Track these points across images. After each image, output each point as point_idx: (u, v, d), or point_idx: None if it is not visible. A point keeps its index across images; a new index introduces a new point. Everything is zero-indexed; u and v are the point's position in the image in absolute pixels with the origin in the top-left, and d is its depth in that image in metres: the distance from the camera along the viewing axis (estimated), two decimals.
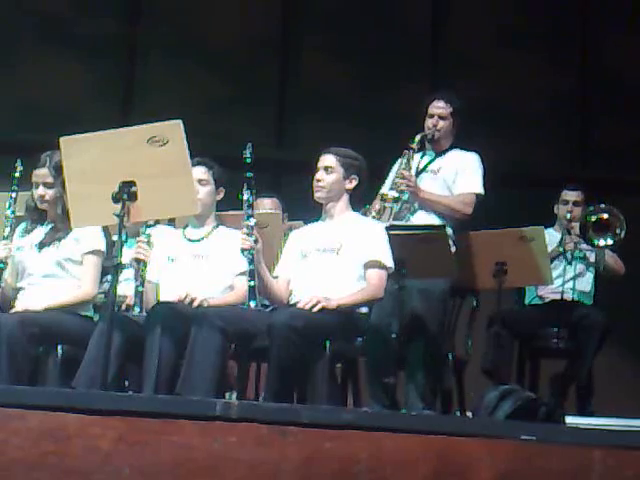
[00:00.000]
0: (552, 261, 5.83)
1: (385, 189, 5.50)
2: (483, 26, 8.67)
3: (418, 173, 5.51)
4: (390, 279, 4.90)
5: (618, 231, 5.83)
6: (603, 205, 5.91)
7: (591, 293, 6.06)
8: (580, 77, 8.74)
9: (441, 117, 5.54)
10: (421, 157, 5.58)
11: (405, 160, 5.49)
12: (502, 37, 8.63)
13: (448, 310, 5.44)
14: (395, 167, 5.58)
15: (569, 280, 5.96)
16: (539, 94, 8.60)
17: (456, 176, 5.48)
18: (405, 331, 5.19)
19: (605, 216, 5.86)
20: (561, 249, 5.99)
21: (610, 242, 5.85)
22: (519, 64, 8.57)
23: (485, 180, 5.49)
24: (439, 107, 5.55)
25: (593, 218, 5.88)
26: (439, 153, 5.56)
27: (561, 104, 8.61)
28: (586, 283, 6.06)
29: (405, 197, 5.41)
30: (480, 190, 5.47)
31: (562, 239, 6.03)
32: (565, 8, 8.71)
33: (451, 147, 5.58)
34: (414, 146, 5.52)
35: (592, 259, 6.06)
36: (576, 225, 6.02)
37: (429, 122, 5.55)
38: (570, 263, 5.98)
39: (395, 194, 5.37)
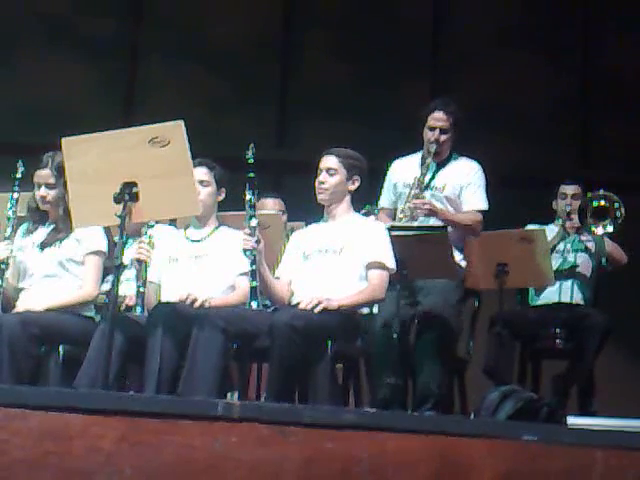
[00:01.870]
0: (552, 250, 5.83)
1: (383, 203, 5.50)
2: (484, 25, 8.68)
3: (422, 189, 5.47)
4: (391, 280, 4.90)
5: (617, 215, 5.82)
6: (601, 191, 5.90)
7: (591, 284, 6.04)
8: (581, 77, 8.75)
9: (443, 130, 5.42)
10: (420, 168, 5.45)
11: (417, 190, 5.36)
12: (503, 37, 8.64)
13: (461, 317, 5.46)
14: (393, 178, 5.54)
15: (568, 276, 5.97)
16: (540, 94, 8.60)
17: (461, 191, 5.44)
18: (418, 325, 5.20)
19: (602, 202, 5.86)
20: (559, 240, 5.98)
21: (610, 229, 5.85)
22: (520, 64, 8.58)
23: (487, 190, 5.47)
24: (440, 119, 5.40)
25: (592, 204, 5.87)
26: (440, 165, 5.49)
27: (562, 104, 8.61)
28: (586, 273, 6.05)
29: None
30: (486, 206, 5.45)
31: (562, 226, 6.02)
32: (566, 7, 8.72)
33: (451, 154, 5.53)
34: (425, 171, 5.40)
35: (593, 249, 6.06)
36: (575, 217, 6.01)
37: (429, 135, 5.41)
38: (569, 252, 5.97)
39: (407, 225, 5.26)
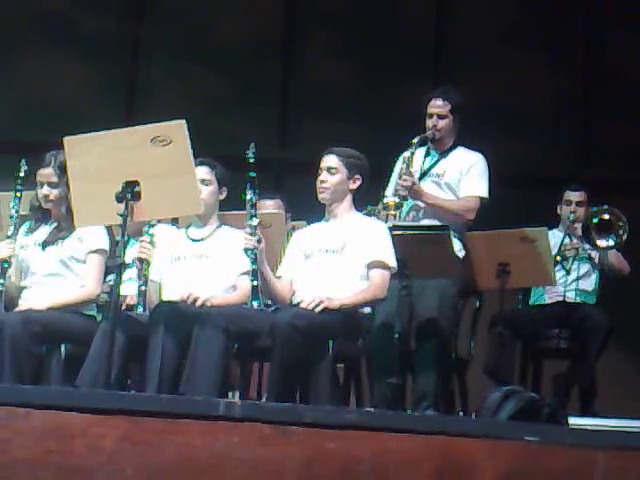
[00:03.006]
0: (555, 265, 5.83)
1: (388, 193, 5.49)
2: (486, 25, 8.68)
3: (422, 176, 5.49)
4: (393, 279, 4.90)
5: (621, 232, 5.83)
6: (606, 206, 5.90)
7: (594, 293, 6.05)
8: (583, 76, 8.75)
9: (440, 116, 5.50)
10: (424, 158, 5.55)
11: (405, 165, 5.46)
12: (505, 36, 8.63)
13: (458, 310, 5.46)
14: (397, 168, 5.57)
15: (572, 282, 5.96)
16: (542, 93, 8.60)
17: (460, 178, 5.46)
18: (417, 330, 5.20)
19: (607, 217, 5.86)
20: (559, 257, 5.98)
21: (612, 243, 5.85)
22: (522, 63, 8.58)
23: (490, 183, 5.48)
24: (437, 106, 5.51)
25: (595, 219, 5.87)
26: (442, 153, 5.54)
27: (564, 103, 8.61)
28: (590, 283, 6.05)
29: (409, 203, 5.39)
30: (484, 194, 5.45)
31: (562, 244, 6.02)
32: (568, 6, 8.72)
33: (454, 145, 5.56)
34: (413, 150, 5.49)
35: (597, 259, 6.06)
36: (579, 226, 6.01)
37: (428, 122, 5.52)
38: (568, 272, 5.98)
39: (397, 199, 5.33)
